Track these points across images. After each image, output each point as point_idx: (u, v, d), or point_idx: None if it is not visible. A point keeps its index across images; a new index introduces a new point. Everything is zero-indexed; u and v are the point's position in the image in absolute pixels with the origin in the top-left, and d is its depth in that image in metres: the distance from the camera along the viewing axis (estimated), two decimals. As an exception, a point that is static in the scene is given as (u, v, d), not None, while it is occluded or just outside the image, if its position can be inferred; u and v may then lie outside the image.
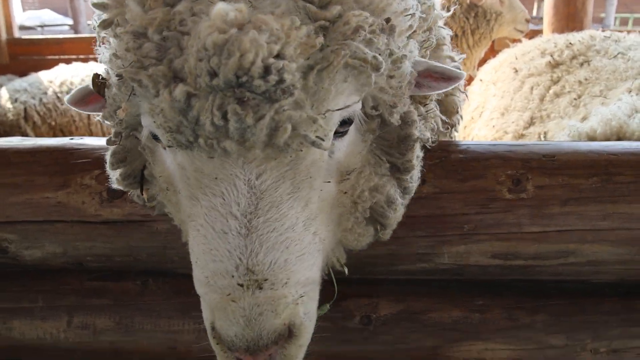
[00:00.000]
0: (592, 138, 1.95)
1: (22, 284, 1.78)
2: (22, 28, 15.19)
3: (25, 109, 5.95)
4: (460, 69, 1.33)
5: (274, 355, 1.11)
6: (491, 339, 1.63)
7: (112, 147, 1.32)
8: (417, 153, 1.33)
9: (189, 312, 1.66)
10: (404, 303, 1.63)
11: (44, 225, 1.62)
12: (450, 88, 1.30)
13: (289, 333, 1.10)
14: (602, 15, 24.84)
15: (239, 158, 1.04)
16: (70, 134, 6.13)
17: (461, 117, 1.62)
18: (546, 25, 5.36)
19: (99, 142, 1.67)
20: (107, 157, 1.34)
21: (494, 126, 3.03)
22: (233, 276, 1.06)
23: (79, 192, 1.59)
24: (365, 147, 1.25)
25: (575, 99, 2.67)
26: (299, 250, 1.11)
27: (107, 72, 1.17)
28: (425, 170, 1.46)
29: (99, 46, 1.22)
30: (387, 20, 1.11)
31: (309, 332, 1.16)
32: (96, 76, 1.25)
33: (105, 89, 1.22)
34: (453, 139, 1.69)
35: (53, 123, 6.06)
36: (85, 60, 7.11)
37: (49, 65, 6.88)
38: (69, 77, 6.37)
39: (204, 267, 1.10)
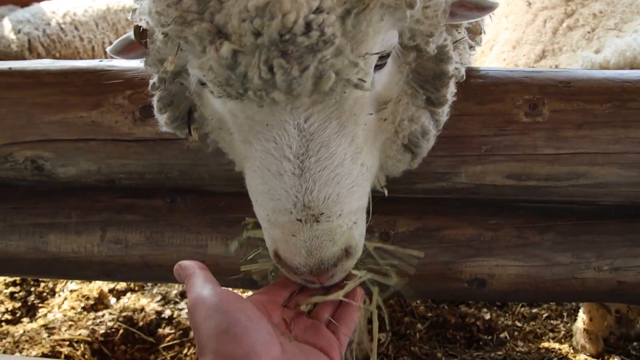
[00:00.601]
0: (605, 69, 1.99)
1: (55, 200, 1.87)
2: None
3: (29, 40, 5.91)
4: None
5: (336, 272, 1.22)
6: (502, 255, 1.73)
7: (157, 93, 1.37)
8: (452, 89, 1.39)
9: (217, 227, 1.76)
10: (421, 221, 1.73)
11: (78, 144, 1.69)
12: (482, 18, 1.35)
13: (346, 254, 1.21)
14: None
15: (287, 105, 1.10)
16: (75, 66, 6.10)
17: (484, 32, 1.64)
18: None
19: (130, 63, 1.72)
20: (154, 103, 1.39)
21: (504, 59, 3.05)
22: (292, 213, 1.14)
23: (112, 112, 1.65)
24: (402, 78, 1.30)
25: (588, 32, 2.69)
26: (350, 184, 1.19)
27: (148, 24, 1.19)
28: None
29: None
30: None
31: (361, 248, 1.27)
32: (137, 28, 1.28)
33: (147, 40, 1.25)
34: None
35: (57, 55, 6.01)
36: (87, -9, 6.97)
37: (51, -5, 6.75)
38: (71, 7, 6.28)
39: (264, 206, 1.19)
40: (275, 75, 1.02)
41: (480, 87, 1.62)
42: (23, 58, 5.79)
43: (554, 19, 2.91)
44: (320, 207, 1.14)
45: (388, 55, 1.21)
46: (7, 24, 6.08)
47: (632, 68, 1.98)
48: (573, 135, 1.59)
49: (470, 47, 1.60)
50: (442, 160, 1.60)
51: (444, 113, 1.44)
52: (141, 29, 1.26)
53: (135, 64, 1.73)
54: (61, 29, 6.09)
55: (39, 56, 5.91)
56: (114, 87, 1.67)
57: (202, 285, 1.11)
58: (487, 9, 1.31)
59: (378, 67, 1.21)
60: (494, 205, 1.76)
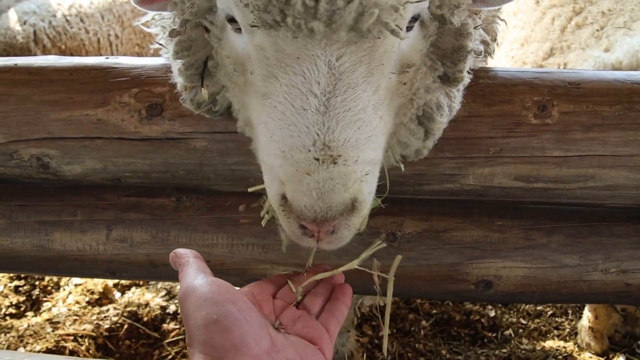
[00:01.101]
0: (617, 69, 1.97)
1: (61, 198, 1.86)
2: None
3: (34, 32, 5.89)
4: None
5: (338, 226, 1.19)
6: (509, 257, 1.72)
7: (176, 37, 1.36)
8: (469, 64, 1.41)
9: (223, 227, 1.75)
10: (428, 222, 1.72)
11: (84, 142, 1.68)
12: (498, 7, 1.39)
13: (352, 207, 1.18)
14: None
15: (322, 40, 1.11)
16: (80, 58, 6.09)
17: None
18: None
19: (135, 61, 1.71)
20: (172, 47, 1.38)
21: (512, 57, 3.03)
22: (310, 150, 1.13)
23: (118, 110, 1.64)
24: (425, 46, 1.32)
25: (597, 30, 2.66)
26: (369, 132, 1.18)
27: None
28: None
29: None
30: None
31: (368, 207, 1.25)
32: None
33: None
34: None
35: (63, 47, 6.00)
36: (93, -17, 6.95)
37: (56, -14, 6.73)
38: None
39: (280, 142, 1.16)
40: (319, 4, 1.04)
41: (489, 88, 1.60)
42: (28, 50, 5.79)
43: (562, 17, 2.88)
44: (340, 149, 1.14)
45: (417, 19, 1.24)
46: (12, 15, 6.06)
47: (644, 69, 1.97)
48: (582, 137, 1.58)
49: (489, 53, 1.61)
50: (450, 161, 1.58)
51: (457, 98, 1.46)
52: None
53: (141, 61, 1.72)
54: (67, 21, 6.07)
55: (44, 48, 5.90)
56: (120, 85, 1.66)
57: (195, 275, 1.11)
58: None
59: (408, 28, 1.23)
60: (500, 206, 1.75)
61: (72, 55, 6.04)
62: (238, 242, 1.75)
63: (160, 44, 1.62)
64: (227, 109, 1.52)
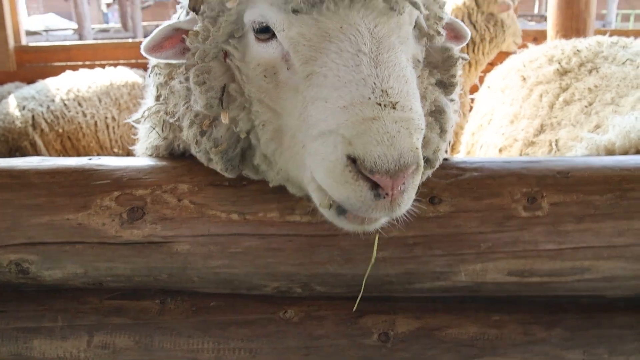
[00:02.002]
0: (610, 151, 1.96)
1: (41, 303, 1.80)
2: (27, 33, 15.24)
3: (33, 117, 5.97)
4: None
5: (408, 183, 1.23)
6: (508, 354, 1.64)
7: (195, 67, 1.49)
8: (459, 71, 1.61)
9: (209, 330, 1.68)
10: (421, 320, 1.65)
11: (65, 247, 1.64)
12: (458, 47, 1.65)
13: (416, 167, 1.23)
14: (604, 12, 24.77)
15: (361, 9, 1.32)
16: (77, 141, 6.16)
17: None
18: (550, 26, 5.38)
19: (118, 162, 1.69)
20: (191, 75, 1.49)
21: (503, 134, 3.04)
22: (370, 98, 1.22)
23: (99, 214, 1.61)
24: (422, 52, 1.54)
25: (586, 106, 2.68)
26: (414, 89, 1.33)
27: None
28: (440, 189, 1.48)
29: None
30: None
31: (420, 180, 1.30)
32: None
33: (202, 6, 1.47)
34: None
35: (60, 130, 6.08)
36: (91, 67, 7.13)
37: (56, 72, 6.90)
38: (75, 84, 6.39)
39: (339, 100, 1.24)
40: None
41: (476, 181, 1.58)
42: (26, 134, 5.86)
43: (549, 94, 2.91)
44: (396, 96, 1.24)
45: (416, 23, 1.48)
46: (12, 100, 6.18)
47: (637, 150, 1.95)
48: (574, 228, 1.54)
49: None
50: (440, 259, 1.53)
51: (450, 119, 1.60)
52: None
53: (124, 162, 1.71)
54: (65, 105, 6.17)
55: (42, 132, 5.97)
56: (102, 188, 1.63)
57: None
58: (462, 38, 1.72)
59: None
60: (496, 301, 1.68)
61: (69, 138, 6.12)
62: (225, 346, 1.67)
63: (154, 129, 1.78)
64: (241, 153, 1.55)
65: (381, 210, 1.23)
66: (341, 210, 1.32)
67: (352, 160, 1.19)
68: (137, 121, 1.88)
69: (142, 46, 1.52)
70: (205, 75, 1.47)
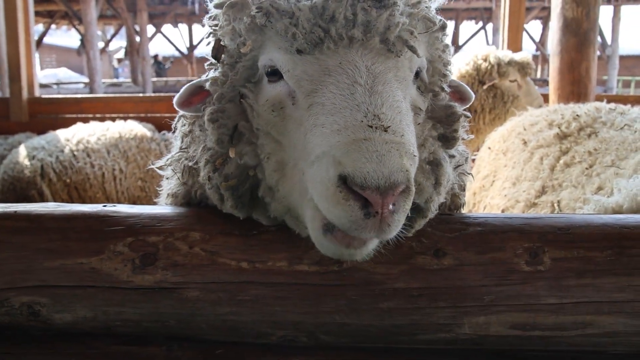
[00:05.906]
0: (618, 213, 2.01)
1: (48, 347, 1.82)
2: (40, 86, 15.62)
3: (42, 166, 6.07)
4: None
5: (398, 204, 1.28)
6: (511, 410, 1.65)
7: (209, 108, 1.60)
8: (462, 125, 1.68)
9: (214, 377, 1.70)
10: (425, 373, 1.66)
11: (76, 290, 1.67)
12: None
13: (405, 188, 1.28)
14: (605, 77, 25.27)
15: (359, 49, 1.43)
16: (84, 191, 6.24)
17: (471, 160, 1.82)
18: (552, 90, 5.53)
19: (132, 209, 1.75)
20: (206, 114, 1.60)
21: (505, 195, 3.11)
22: (362, 121, 1.31)
23: (112, 259, 1.65)
24: (424, 103, 1.62)
25: (587, 168, 2.76)
26: (407, 122, 1.42)
27: (224, 40, 1.61)
28: (445, 242, 1.53)
29: (216, 27, 1.64)
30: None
31: (412, 196, 1.33)
32: (218, 42, 1.64)
33: (223, 55, 1.62)
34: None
35: (68, 180, 6.17)
36: (102, 120, 7.30)
37: (67, 123, 7.06)
38: (85, 135, 6.53)
39: (333, 124, 1.33)
40: (357, 16, 1.41)
41: (479, 236, 1.62)
42: (35, 184, 5.95)
43: (550, 157, 2.99)
44: (388, 122, 1.32)
45: (418, 74, 1.58)
46: (22, 150, 6.29)
47: (644, 211, 2.00)
48: (576, 284, 1.58)
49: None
50: (443, 311, 1.57)
51: (448, 175, 1.63)
52: (221, 41, 1.63)
53: (137, 210, 1.76)
54: (74, 155, 6.28)
55: (50, 182, 6.06)
56: (116, 234, 1.68)
57: None
58: (467, 99, 1.84)
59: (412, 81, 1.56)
60: (499, 354, 1.70)
61: (76, 189, 6.20)
62: (229, 395, 1.68)
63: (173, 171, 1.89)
64: (250, 192, 1.61)
65: (371, 230, 1.27)
66: (328, 228, 1.36)
67: (343, 181, 1.25)
68: (161, 168, 1.99)
69: (174, 101, 1.67)
70: (219, 114, 1.58)
